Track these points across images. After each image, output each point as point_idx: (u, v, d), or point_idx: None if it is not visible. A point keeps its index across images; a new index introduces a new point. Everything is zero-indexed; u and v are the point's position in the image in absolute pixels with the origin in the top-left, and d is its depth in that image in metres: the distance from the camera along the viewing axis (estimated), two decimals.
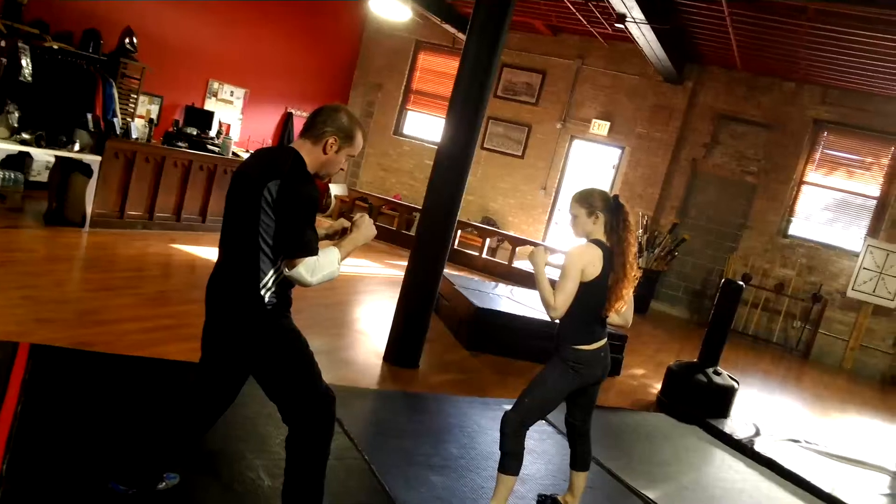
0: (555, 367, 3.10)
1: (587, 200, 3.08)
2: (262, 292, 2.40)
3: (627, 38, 8.82)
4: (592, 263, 2.99)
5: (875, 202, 9.60)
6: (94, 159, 6.54)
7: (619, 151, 11.05)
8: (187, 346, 4.30)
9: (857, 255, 9.40)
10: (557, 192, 11.42)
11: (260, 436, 3.38)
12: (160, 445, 2.62)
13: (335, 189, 12.51)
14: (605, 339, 3.16)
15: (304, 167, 2.38)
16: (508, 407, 3.17)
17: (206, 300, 2.60)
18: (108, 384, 3.55)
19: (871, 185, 9.69)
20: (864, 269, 9.23)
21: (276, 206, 2.29)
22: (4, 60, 6.71)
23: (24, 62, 6.82)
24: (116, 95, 7.75)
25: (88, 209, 6.62)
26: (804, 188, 10.07)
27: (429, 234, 5.20)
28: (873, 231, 9.48)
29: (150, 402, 3.46)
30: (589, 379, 3.14)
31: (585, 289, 2.99)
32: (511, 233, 10.92)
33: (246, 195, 2.35)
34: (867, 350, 9.42)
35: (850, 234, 9.74)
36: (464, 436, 4.07)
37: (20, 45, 6.81)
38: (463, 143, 5.07)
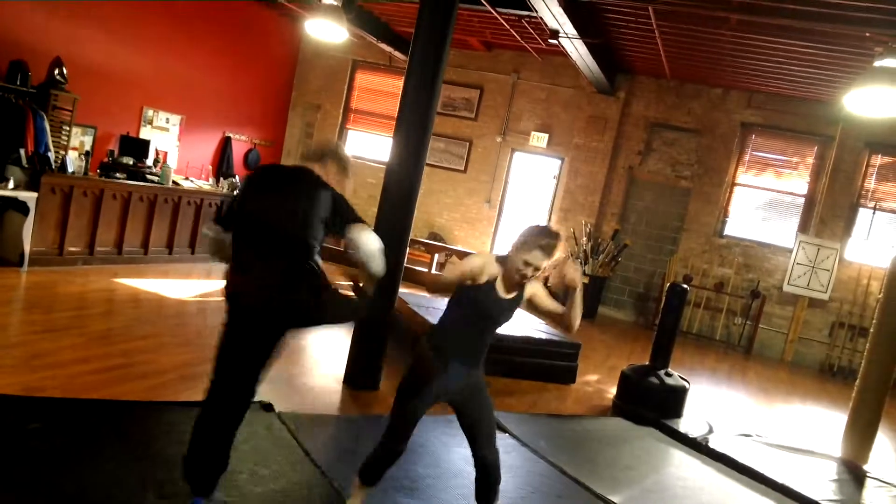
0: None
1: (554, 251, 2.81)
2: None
3: (561, 53, 9.04)
4: (489, 269, 2.84)
5: (803, 199, 10.06)
6: (29, 196, 6.34)
7: (558, 162, 11.28)
8: (140, 386, 4.23)
9: (790, 251, 9.82)
10: (502, 205, 11.58)
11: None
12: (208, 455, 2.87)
13: None
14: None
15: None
16: None
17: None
18: (63, 430, 3.44)
19: (798, 183, 10.15)
20: (798, 264, 9.65)
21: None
22: None
23: None
24: (48, 128, 7.51)
25: (26, 247, 6.40)
26: (736, 189, 10.48)
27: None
28: (804, 227, 9.92)
29: (113, 445, 3.38)
30: None
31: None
32: (458, 247, 11.01)
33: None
34: (805, 341, 9.84)
35: (782, 232, 10.16)
36: (428, 455, 4.09)
37: None
38: (412, 163, 5.11)
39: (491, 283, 2.84)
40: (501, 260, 2.89)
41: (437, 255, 10.48)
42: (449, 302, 2.97)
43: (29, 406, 3.57)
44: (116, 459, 3.26)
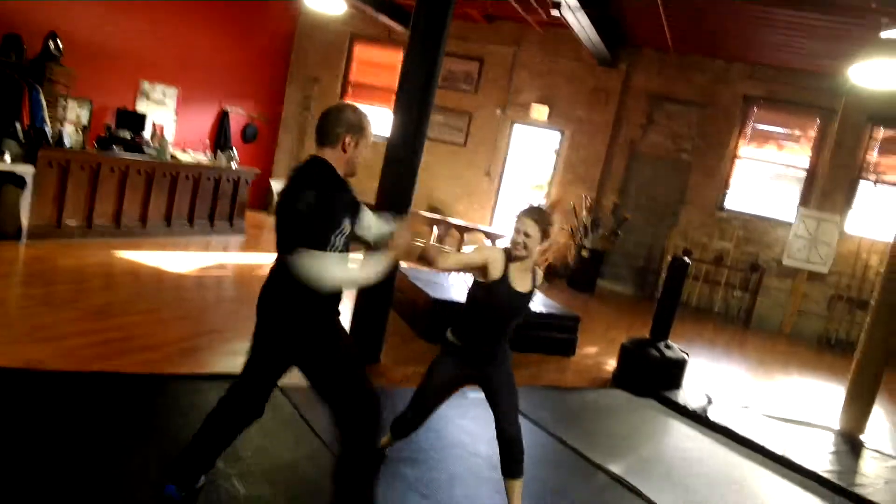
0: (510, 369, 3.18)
1: (545, 221, 3.01)
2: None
3: (562, 24, 8.93)
4: (496, 265, 3.00)
5: (805, 173, 10.01)
6: (26, 170, 6.29)
7: (559, 135, 11.21)
8: (139, 358, 4.22)
9: (790, 224, 9.80)
10: (501, 178, 11.53)
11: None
12: (199, 450, 2.69)
13: (277, 185, 12.35)
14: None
15: (334, 173, 2.54)
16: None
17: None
18: (65, 404, 3.45)
19: (800, 156, 10.10)
20: (798, 237, 9.64)
21: (314, 211, 2.39)
22: None
23: None
24: (44, 102, 7.43)
25: (24, 221, 6.37)
26: (737, 162, 10.42)
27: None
28: (805, 200, 9.89)
29: (111, 420, 3.39)
30: None
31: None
32: (458, 220, 10.98)
33: (288, 208, 2.47)
34: (804, 314, 9.86)
35: (783, 205, 10.13)
36: (430, 428, 4.10)
37: None
38: (413, 136, 5.07)
39: (506, 279, 2.99)
40: (508, 251, 3.03)
41: (436, 229, 10.46)
42: (468, 296, 3.17)
43: (28, 379, 3.57)
44: (116, 433, 3.27)
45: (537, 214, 3.00)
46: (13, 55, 7.39)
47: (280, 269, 2.53)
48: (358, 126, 2.54)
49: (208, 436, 2.69)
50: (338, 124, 2.51)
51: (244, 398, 2.71)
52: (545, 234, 3.00)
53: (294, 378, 4.36)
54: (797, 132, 10.17)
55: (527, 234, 2.96)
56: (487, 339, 3.10)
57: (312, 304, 2.51)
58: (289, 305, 2.53)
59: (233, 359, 4.60)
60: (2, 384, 3.43)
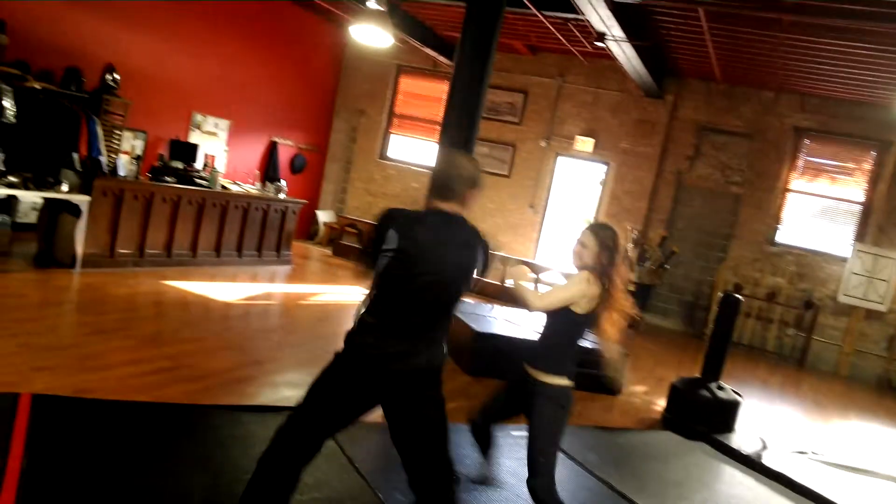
0: (549, 414, 3.05)
1: (603, 237, 3.05)
2: None
3: (607, 55, 8.91)
4: (591, 299, 2.98)
5: (860, 207, 9.71)
6: (82, 199, 6.46)
7: (604, 167, 11.11)
8: (187, 388, 4.25)
9: (845, 260, 9.49)
10: (545, 210, 11.45)
11: None
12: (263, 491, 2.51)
13: (323, 216, 12.49)
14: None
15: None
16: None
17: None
18: (112, 432, 3.47)
19: (855, 189, 9.81)
20: (854, 273, 9.32)
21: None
22: None
23: (6, 103, 6.74)
24: (101, 132, 7.70)
25: (78, 249, 6.53)
26: (789, 196, 10.17)
27: None
28: (860, 235, 9.58)
29: (156, 449, 3.40)
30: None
31: (576, 320, 3.01)
32: (501, 252, 10.91)
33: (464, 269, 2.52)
34: (862, 354, 9.48)
35: (837, 240, 9.82)
36: (474, 465, 4.02)
37: (2, 86, 6.73)
38: None
39: (593, 307, 2.98)
40: (597, 273, 3.01)
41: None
42: (553, 321, 3.11)
43: (77, 407, 3.61)
44: (159, 463, 3.27)
45: (597, 227, 3.07)
46: (73, 87, 7.67)
47: (438, 323, 2.53)
48: (477, 180, 2.54)
49: (269, 475, 2.53)
50: (461, 182, 2.48)
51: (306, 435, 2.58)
52: (604, 246, 2.98)
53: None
54: (851, 165, 9.90)
55: (583, 244, 3.02)
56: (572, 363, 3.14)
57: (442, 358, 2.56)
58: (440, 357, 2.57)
59: (275, 390, 4.61)
60: (52, 411, 3.47)
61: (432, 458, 2.52)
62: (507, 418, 3.45)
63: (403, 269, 2.40)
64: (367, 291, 2.54)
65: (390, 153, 12.69)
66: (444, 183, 2.49)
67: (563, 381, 3.04)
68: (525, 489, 3.66)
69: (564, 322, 3.03)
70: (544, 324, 3.15)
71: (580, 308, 2.98)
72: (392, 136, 12.68)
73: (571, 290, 2.99)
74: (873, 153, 9.65)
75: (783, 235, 10.17)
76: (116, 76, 8.08)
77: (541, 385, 3.04)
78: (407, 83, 12.53)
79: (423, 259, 2.40)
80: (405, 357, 2.44)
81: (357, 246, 11.13)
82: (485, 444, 3.53)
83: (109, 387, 3.97)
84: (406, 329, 2.46)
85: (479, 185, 2.54)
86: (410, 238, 2.39)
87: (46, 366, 4.10)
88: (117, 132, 8.24)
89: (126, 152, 8.40)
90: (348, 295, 8.57)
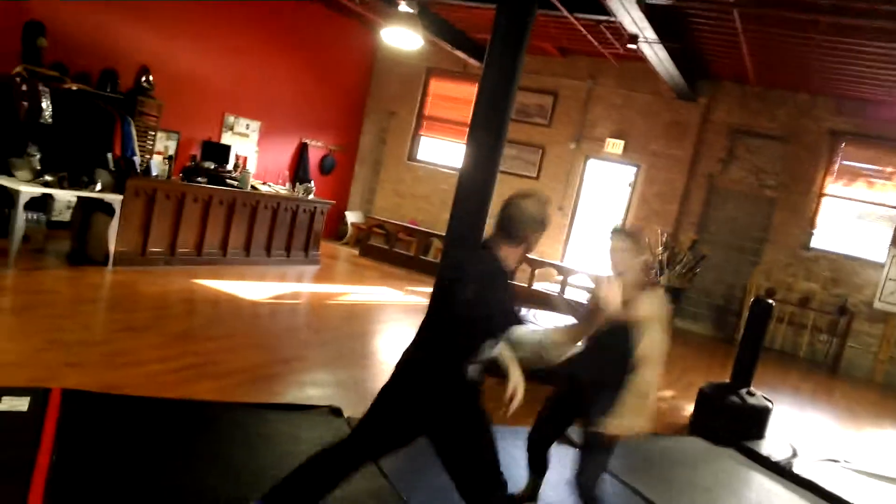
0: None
1: (632, 233, 3.06)
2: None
3: (638, 58, 8.81)
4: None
5: None
6: (115, 198, 6.58)
7: (634, 169, 11.01)
8: (214, 385, 4.30)
9: (882, 265, 9.27)
10: (574, 212, 11.38)
11: None
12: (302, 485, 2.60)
13: (351, 217, 12.56)
14: None
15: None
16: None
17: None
18: (139, 428, 3.52)
19: (892, 194, 9.57)
20: (890, 279, 9.10)
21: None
22: (26, 104, 6.79)
23: (44, 104, 6.90)
24: (134, 133, 7.82)
25: (111, 248, 6.65)
26: (824, 200, 9.97)
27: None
28: None
29: (182, 445, 3.44)
30: None
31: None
32: (530, 255, 10.86)
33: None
34: None
35: (873, 245, 9.60)
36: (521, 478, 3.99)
37: (40, 87, 6.89)
38: (485, 168, 5.06)
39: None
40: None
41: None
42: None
43: (106, 403, 3.67)
44: (186, 459, 3.31)
45: (621, 229, 3.04)
46: (108, 88, 7.82)
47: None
48: (543, 223, 2.55)
49: (314, 473, 2.63)
50: (526, 225, 2.50)
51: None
52: (639, 243, 3.02)
53: (360, 410, 4.33)
54: (889, 169, 9.66)
55: (621, 250, 2.97)
56: None
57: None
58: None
59: (301, 389, 4.64)
60: (81, 407, 3.53)
61: (483, 465, 2.60)
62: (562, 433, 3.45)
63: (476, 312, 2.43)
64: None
65: (420, 155, 12.71)
66: (505, 224, 2.52)
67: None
68: (549, 492, 3.64)
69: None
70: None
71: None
72: (422, 138, 12.71)
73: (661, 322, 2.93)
74: None
75: (818, 240, 9.97)
76: (151, 78, 8.22)
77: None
78: (437, 85, 12.55)
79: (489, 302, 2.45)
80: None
81: (384, 247, 11.18)
82: (539, 464, 3.46)
83: (138, 383, 4.04)
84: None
85: (544, 226, 2.55)
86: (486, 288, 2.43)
87: (77, 362, 4.18)
88: (151, 133, 8.38)
89: (159, 153, 8.54)
90: (375, 295, 8.61)
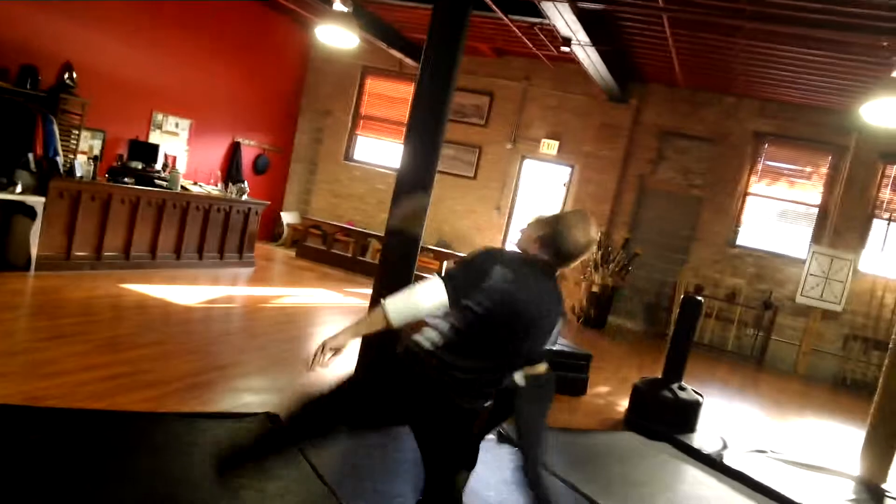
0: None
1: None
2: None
3: (572, 60, 8.97)
4: None
5: (817, 210, 9.93)
6: (37, 200, 6.29)
7: (569, 169, 11.19)
8: (144, 395, 4.15)
9: (803, 261, 9.70)
10: (511, 212, 11.50)
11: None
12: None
13: (287, 217, 12.36)
14: None
15: None
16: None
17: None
18: (64, 442, 3.37)
19: (812, 193, 10.03)
20: (811, 275, 9.53)
21: None
22: None
23: None
24: (57, 132, 7.49)
25: (33, 252, 6.36)
26: (749, 199, 10.36)
27: (393, 259, 5.15)
28: (817, 238, 9.80)
29: (111, 459, 3.31)
30: None
31: None
32: (465, 254, 10.92)
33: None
34: (819, 353, 9.70)
35: (795, 242, 10.03)
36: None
37: None
38: (423, 169, 5.05)
39: None
40: None
41: (445, 263, 10.40)
42: None
43: (29, 416, 3.51)
44: (117, 473, 3.19)
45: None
46: (29, 86, 7.47)
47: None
48: (593, 245, 2.52)
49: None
50: (583, 252, 2.47)
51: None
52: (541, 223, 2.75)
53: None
54: (808, 169, 10.12)
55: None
56: None
57: None
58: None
59: (236, 396, 4.54)
60: (1, 421, 3.36)
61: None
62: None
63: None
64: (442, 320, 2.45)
65: (356, 155, 12.61)
66: (570, 253, 2.44)
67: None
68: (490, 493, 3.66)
69: None
70: None
71: None
72: (358, 138, 12.61)
73: None
74: (830, 157, 9.88)
75: (743, 238, 10.36)
76: (74, 75, 7.89)
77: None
78: (373, 84, 12.47)
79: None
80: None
81: (322, 248, 11.05)
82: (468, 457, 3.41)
83: (63, 394, 3.87)
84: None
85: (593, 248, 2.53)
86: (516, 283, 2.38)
87: None
88: (75, 132, 8.04)
89: (84, 152, 8.21)
90: (312, 297, 8.49)
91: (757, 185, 10.34)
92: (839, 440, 6.66)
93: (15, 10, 7.52)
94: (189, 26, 9.74)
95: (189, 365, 4.91)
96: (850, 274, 9.38)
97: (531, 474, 2.97)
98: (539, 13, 7.28)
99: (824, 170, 9.95)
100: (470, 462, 3.43)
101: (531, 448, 3.01)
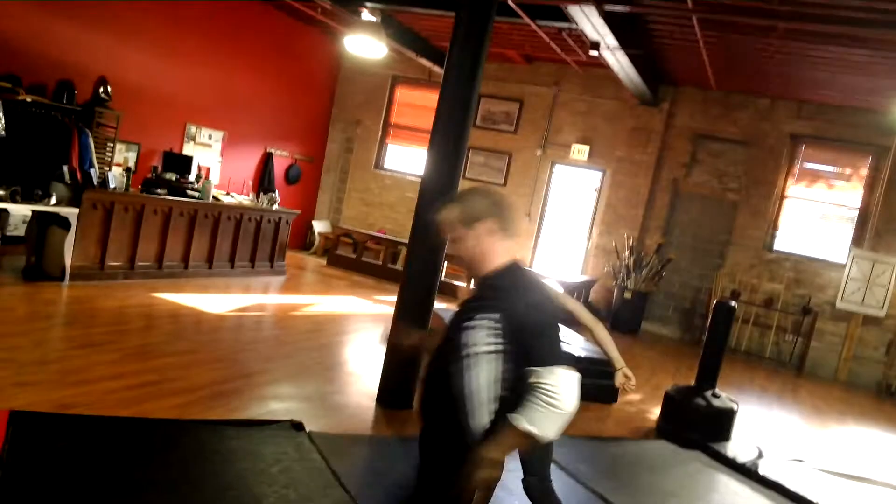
0: None
1: None
2: None
3: (601, 64, 8.88)
4: None
5: (857, 212, 9.65)
6: (71, 212, 6.43)
7: (600, 174, 11.08)
8: (170, 403, 4.19)
9: (843, 265, 9.43)
10: (542, 218, 11.41)
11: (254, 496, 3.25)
12: None
13: (318, 226, 12.45)
14: None
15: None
16: None
17: None
18: (93, 449, 3.41)
19: (851, 195, 9.76)
20: (852, 279, 9.25)
21: None
22: None
23: None
24: (92, 145, 7.66)
25: (67, 262, 6.49)
26: (786, 202, 10.12)
27: (417, 267, 5.13)
28: (857, 241, 9.51)
29: (138, 466, 3.34)
30: None
31: None
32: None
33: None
34: (860, 360, 9.41)
35: (835, 246, 9.76)
36: None
37: None
38: (447, 175, 5.03)
39: None
40: None
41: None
42: None
43: (57, 424, 3.55)
44: (143, 480, 3.21)
45: None
46: (65, 100, 7.65)
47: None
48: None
49: None
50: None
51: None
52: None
53: (322, 424, 4.26)
54: (848, 171, 9.85)
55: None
56: None
57: None
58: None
59: (262, 404, 4.55)
60: (31, 428, 3.41)
61: None
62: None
63: None
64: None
65: (387, 163, 12.66)
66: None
67: None
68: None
69: None
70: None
71: None
72: (388, 146, 12.66)
73: None
74: (870, 159, 9.61)
75: (781, 242, 10.12)
76: (109, 89, 8.06)
77: None
78: (403, 93, 12.52)
79: None
80: None
81: (352, 256, 11.09)
82: None
83: (92, 402, 3.92)
84: None
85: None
86: None
87: (29, 381, 4.05)
88: (110, 144, 8.22)
89: (119, 164, 8.38)
90: (342, 305, 8.52)
91: (794, 188, 10.09)
92: (882, 449, 6.43)
93: (51, 26, 7.72)
94: (221, 40, 9.90)
95: (216, 373, 4.95)
96: (893, 278, 9.08)
97: (538, 490, 2.90)
98: (566, 18, 7.22)
99: (864, 171, 9.68)
100: None
101: (539, 462, 2.94)
